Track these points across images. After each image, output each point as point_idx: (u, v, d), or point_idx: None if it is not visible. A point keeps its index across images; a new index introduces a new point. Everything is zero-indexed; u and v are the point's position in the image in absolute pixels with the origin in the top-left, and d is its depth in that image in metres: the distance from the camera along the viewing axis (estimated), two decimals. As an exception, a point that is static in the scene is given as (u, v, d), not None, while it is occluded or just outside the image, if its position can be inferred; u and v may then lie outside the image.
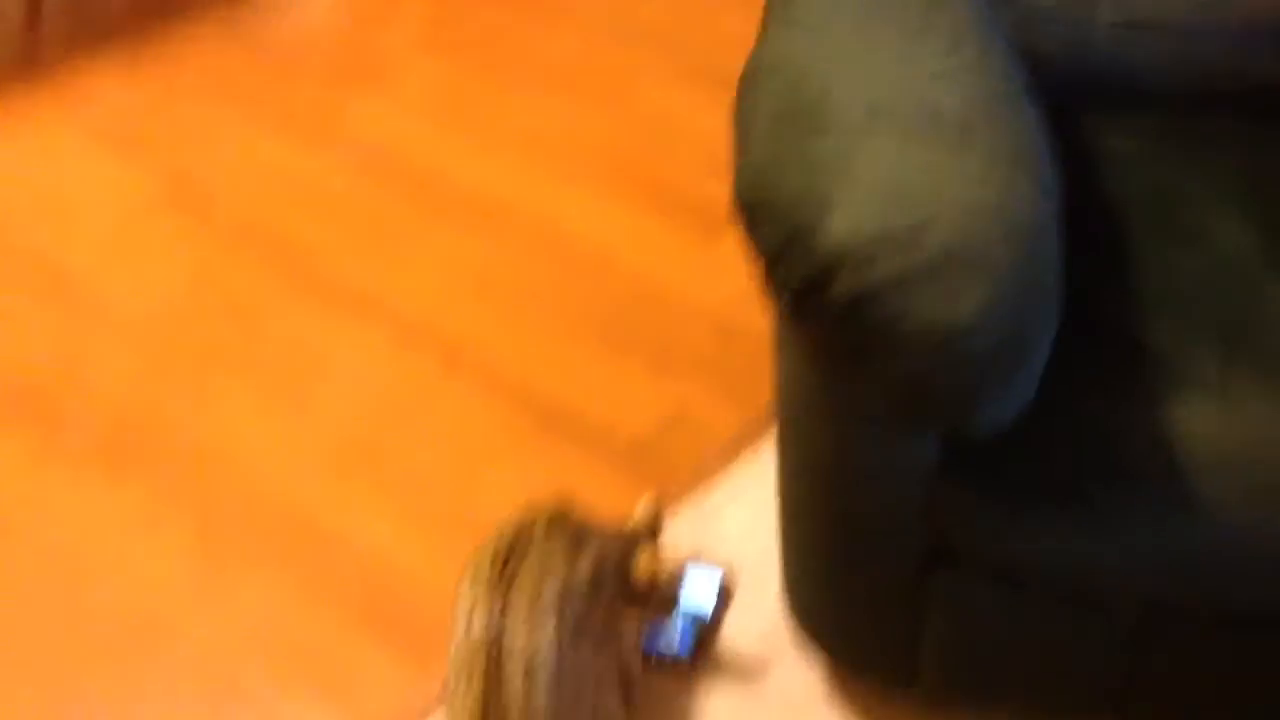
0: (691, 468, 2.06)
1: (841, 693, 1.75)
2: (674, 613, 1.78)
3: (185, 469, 2.08)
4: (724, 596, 1.85)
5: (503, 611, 1.50)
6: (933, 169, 1.39)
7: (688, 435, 2.12)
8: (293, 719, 1.76)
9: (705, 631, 1.81)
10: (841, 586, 1.65)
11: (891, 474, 1.51)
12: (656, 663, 1.79)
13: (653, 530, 1.74)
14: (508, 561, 1.55)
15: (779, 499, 1.68)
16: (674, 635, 1.80)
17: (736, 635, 1.82)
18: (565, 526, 1.61)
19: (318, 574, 1.93)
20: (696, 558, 1.85)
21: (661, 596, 1.74)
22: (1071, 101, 1.79)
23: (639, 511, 1.76)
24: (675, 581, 1.74)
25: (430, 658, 1.81)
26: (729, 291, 2.34)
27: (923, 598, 1.58)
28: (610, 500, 1.86)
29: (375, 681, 1.80)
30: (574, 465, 2.07)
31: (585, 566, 1.60)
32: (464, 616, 1.52)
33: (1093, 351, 1.51)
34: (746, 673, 1.78)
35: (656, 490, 1.81)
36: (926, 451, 1.48)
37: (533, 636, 1.49)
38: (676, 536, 1.92)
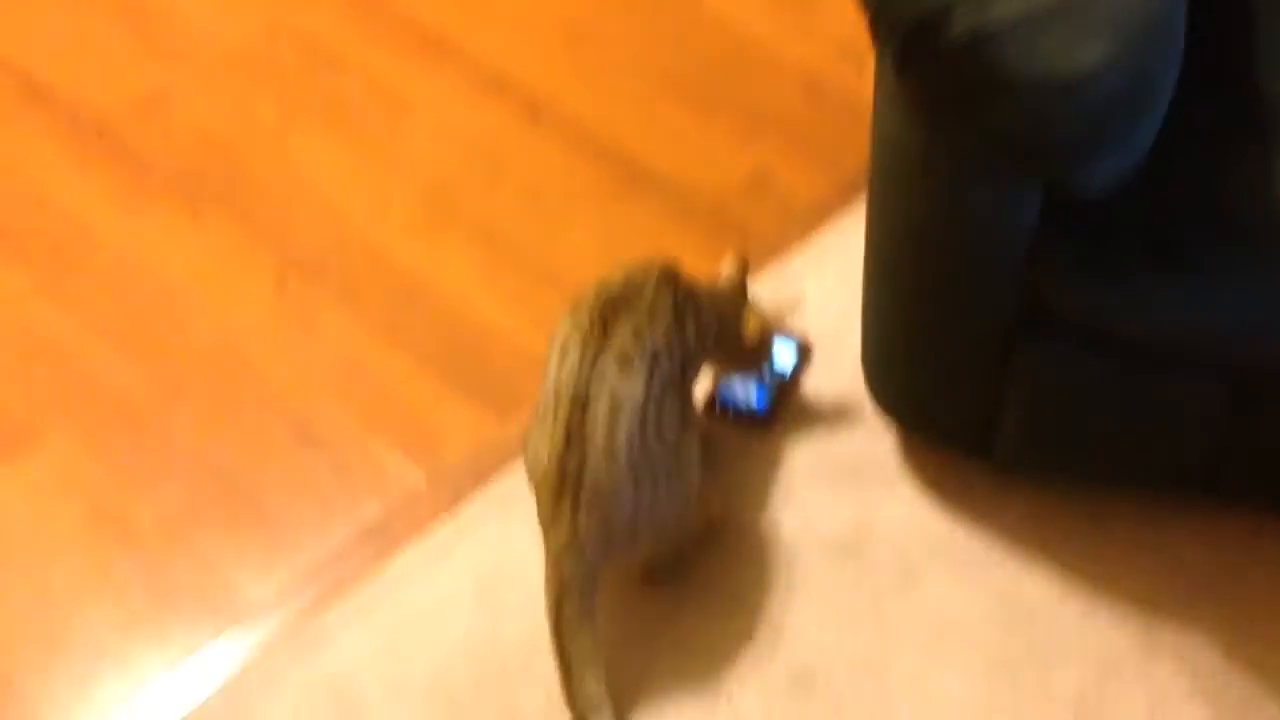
0: (774, 232, 2.03)
1: (913, 460, 1.75)
2: (764, 372, 1.79)
3: (267, 209, 2.08)
4: (803, 359, 1.85)
5: (597, 354, 1.51)
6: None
7: (772, 198, 2.09)
8: (369, 462, 1.79)
9: (783, 391, 1.82)
10: (924, 354, 1.64)
11: (990, 234, 1.47)
12: (734, 417, 1.80)
13: (741, 289, 1.74)
14: (614, 301, 1.55)
15: (866, 264, 1.66)
16: (752, 392, 1.81)
17: (812, 400, 1.82)
18: (676, 287, 1.61)
19: (397, 319, 1.95)
20: (779, 322, 1.85)
21: (759, 355, 1.75)
22: None
23: (725, 270, 1.75)
24: (771, 341, 1.75)
25: (507, 410, 1.83)
26: (822, 49, 2.28)
27: (1008, 366, 1.56)
28: (690, 260, 1.84)
29: (452, 429, 1.82)
30: (655, 223, 2.05)
31: (690, 326, 1.60)
32: (558, 351, 1.53)
33: (1210, 103, 1.45)
34: (820, 436, 1.78)
35: (741, 249, 1.78)
36: (1028, 211, 1.44)
37: (624, 381, 1.50)
38: (756, 300, 1.91)
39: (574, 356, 1.51)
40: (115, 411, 1.85)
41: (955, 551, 1.68)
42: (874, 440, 1.78)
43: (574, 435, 1.48)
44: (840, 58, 2.27)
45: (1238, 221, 1.42)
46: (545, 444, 1.50)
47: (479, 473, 1.76)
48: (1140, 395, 1.56)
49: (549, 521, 1.51)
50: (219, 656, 1.62)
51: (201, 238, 2.05)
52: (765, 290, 1.93)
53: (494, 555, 1.68)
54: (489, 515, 1.72)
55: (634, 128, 2.18)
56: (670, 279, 1.62)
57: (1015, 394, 1.59)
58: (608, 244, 2.03)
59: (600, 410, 1.49)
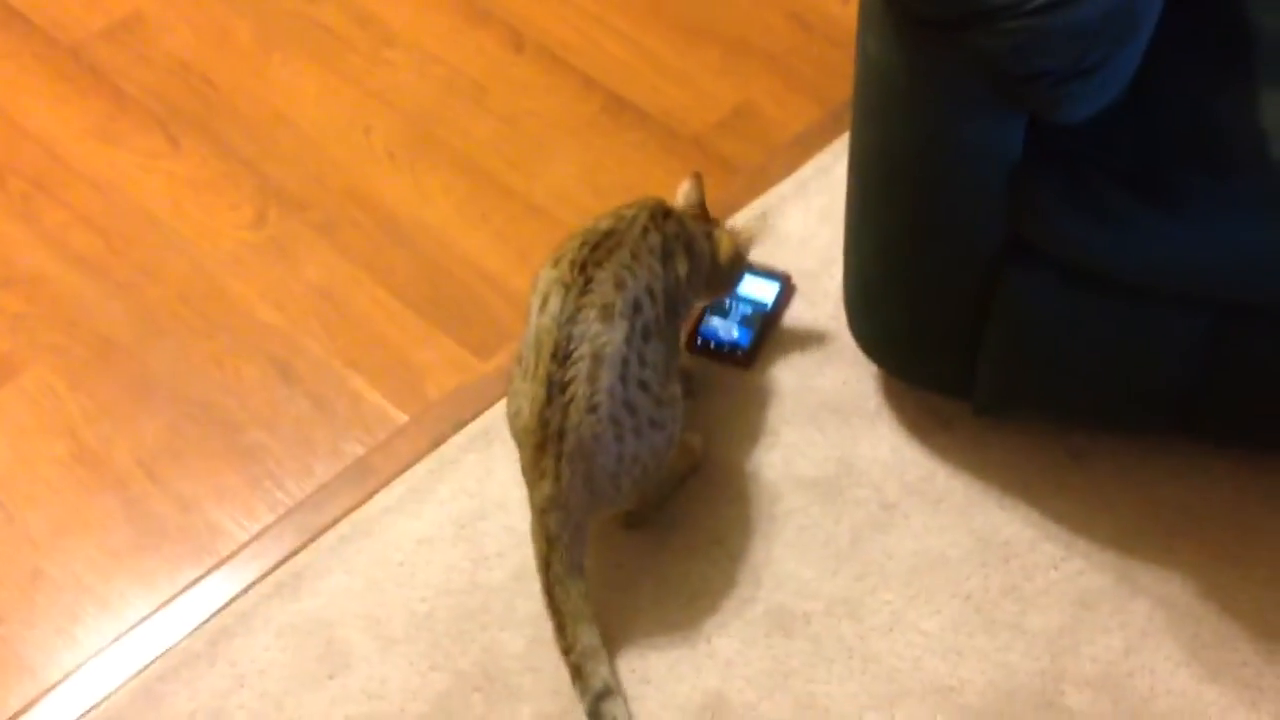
0: (757, 164, 2.02)
1: (893, 399, 1.75)
2: (735, 293, 1.80)
3: (246, 138, 2.06)
4: (784, 294, 1.84)
5: (578, 305, 1.49)
6: None
7: (756, 130, 2.07)
8: (350, 400, 1.79)
9: (764, 326, 1.81)
10: (904, 292, 1.63)
11: (973, 165, 1.46)
12: (715, 353, 1.79)
13: (704, 210, 1.73)
14: (597, 248, 1.54)
15: (848, 199, 1.64)
16: (734, 327, 1.80)
17: (794, 337, 1.82)
18: (665, 224, 1.60)
19: (378, 254, 1.93)
20: (758, 253, 1.84)
21: (733, 277, 1.75)
22: None
23: (683, 190, 1.73)
24: (744, 262, 1.74)
25: (489, 348, 1.83)
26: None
27: (989, 300, 1.55)
28: (673, 193, 1.83)
29: (433, 368, 1.82)
30: (638, 156, 2.04)
31: (682, 264, 1.59)
32: (538, 301, 1.52)
33: (1196, 35, 1.44)
34: (801, 373, 1.78)
35: (699, 173, 1.76)
36: (1012, 141, 1.43)
37: (605, 331, 1.49)
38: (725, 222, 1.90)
39: (554, 307, 1.50)
40: (93, 345, 1.84)
41: (934, 491, 1.68)
42: (855, 379, 1.78)
43: (554, 389, 1.48)
44: (827, -15, 2.25)
45: (1223, 155, 1.41)
46: (526, 398, 1.50)
47: (460, 411, 1.76)
48: (1120, 330, 1.56)
49: (532, 475, 1.50)
50: (200, 595, 1.62)
51: (179, 166, 2.03)
52: (747, 224, 1.92)
53: (475, 495, 1.68)
54: (470, 455, 1.72)
55: (618, 59, 2.15)
56: (659, 216, 1.60)
57: (996, 331, 1.58)
58: (591, 176, 2.01)
59: (581, 363, 1.48)
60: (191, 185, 2.01)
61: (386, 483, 1.70)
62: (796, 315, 1.84)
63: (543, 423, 1.48)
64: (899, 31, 1.41)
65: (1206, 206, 1.41)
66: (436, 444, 1.73)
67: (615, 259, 1.53)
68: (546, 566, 1.50)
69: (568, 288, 1.50)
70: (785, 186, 1.98)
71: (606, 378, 1.48)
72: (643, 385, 1.51)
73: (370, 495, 1.69)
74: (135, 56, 2.16)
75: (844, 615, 1.59)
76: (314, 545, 1.65)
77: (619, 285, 1.51)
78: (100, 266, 1.92)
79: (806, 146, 2.03)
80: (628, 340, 1.50)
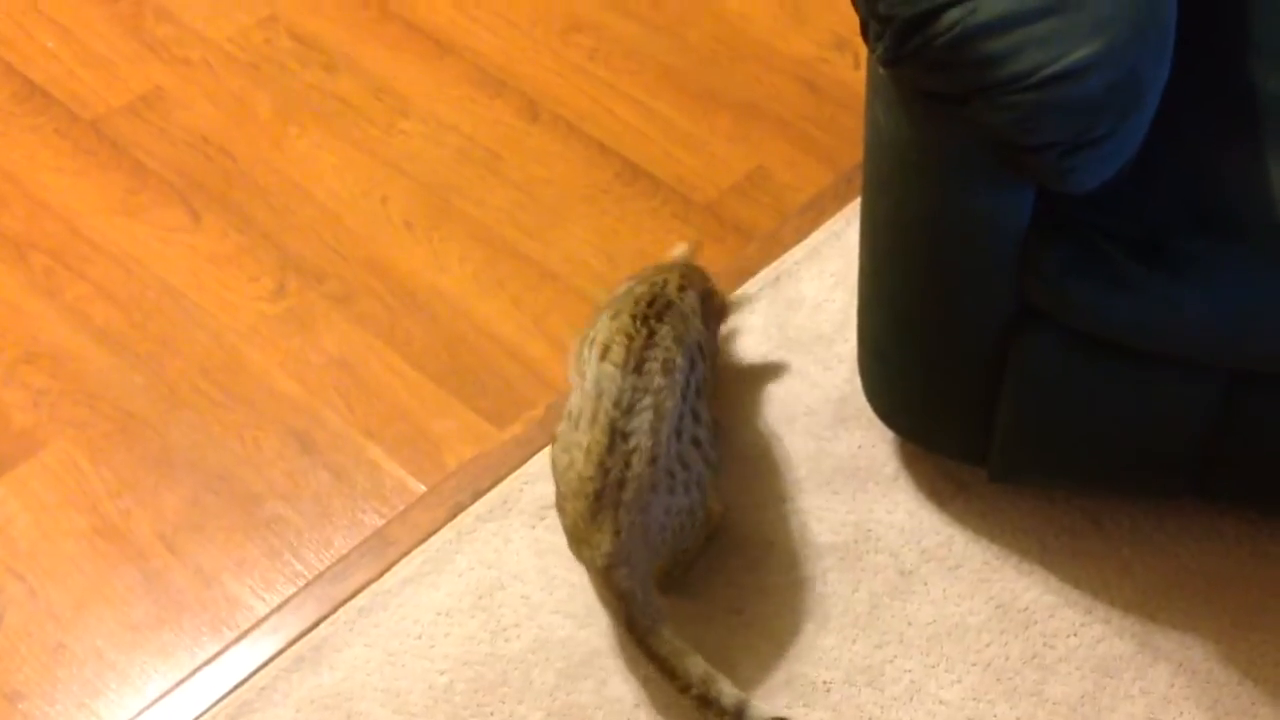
0: (770, 229, 2.03)
1: (910, 463, 1.76)
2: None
3: (265, 211, 2.08)
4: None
5: (641, 359, 1.52)
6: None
7: (769, 195, 2.08)
8: (368, 470, 1.80)
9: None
10: (918, 356, 1.64)
11: (982, 234, 1.47)
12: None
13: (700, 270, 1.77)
14: (653, 303, 1.57)
15: (861, 262, 1.65)
16: None
17: (808, 402, 1.82)
18: (700, 286, 1.65)
19: (396, 323, 1.95)
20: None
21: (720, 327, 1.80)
22: None
23: (679, 251, 1.77)
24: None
25: (504, 417, 1.84)
26: (819, 41, 2.27)
27: (1001, 366, 1.56)
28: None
29: (450, 437, 1.82)
30: (653, 222, 2.05)
31: (714, 323, 1.66)
32: (598, 346, 1.54)
33: (1201, 101, 1.45)
34: (818, 438, 1.78)
35: (695, 237, 1.80)
36: (1020, 211, 1.44)
37: (666, 386, 1.51)
38: (752, 301, 1.91)
39: (617, 356, 1.52)
40: (115, 419, 1.86)
41: (952, 556, 1.68)
42: (870, 443, 1.78)
43: (617, 437, 1.48)
44: (837, 50, 2.26)
45: (1230, 221, 1.42)
46: (581, 447, 1.50)
47: (477, 481, 1.77)
48: (1134, 396, 1.56)
49: (587, 531, 1.50)
50: (221, 670, 1.63)
51: (199, 239, 2.05)
52: (761, 290, 1.93)
53: (492, 566, 1.69)
54: (488, 525, 1.72)
55: (631, 126, 2.17)
56: (695, 278, 1.65)
57: (1009, 398, 1.59)
58: (605, 243, 2.03)
59: (645, 414, 1.49)
60: (211, 258, 2.03)
61: (405, 553, 1.71)
62: (812, 380, 1.84)
63: (603, 470, 1.48)
64: (905, 104, 1.43)
65: (1215, 273, 1.41)
66: (454, 514, 1.74)
67: (671, 314, 1.57)
68: (632, 624, 1.50)
69: (631, 338, 1.53)
70: (798, 251, 1.99)
71: (666, 430, 1.49)
72: (695, 441, 1.53)
73: (389, 566, 1.70)
74: (156, 131, 2.19)
75: (864, 684, 1.59)
76: (333, 618, 1.66)
77: (678, 340, 1.54)
78: (121, 340, 1.94)
79: (819, 211, 2.04)
80: (684, 395, 1.53)
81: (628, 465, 1.48)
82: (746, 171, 2.11)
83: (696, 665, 1.50)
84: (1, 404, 1.87)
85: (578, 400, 1.54)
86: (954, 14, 1.28)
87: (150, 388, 1.89)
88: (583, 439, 1.50)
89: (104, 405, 1.87)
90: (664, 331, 1.54)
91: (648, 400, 1.50)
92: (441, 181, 2.12)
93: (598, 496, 1.49)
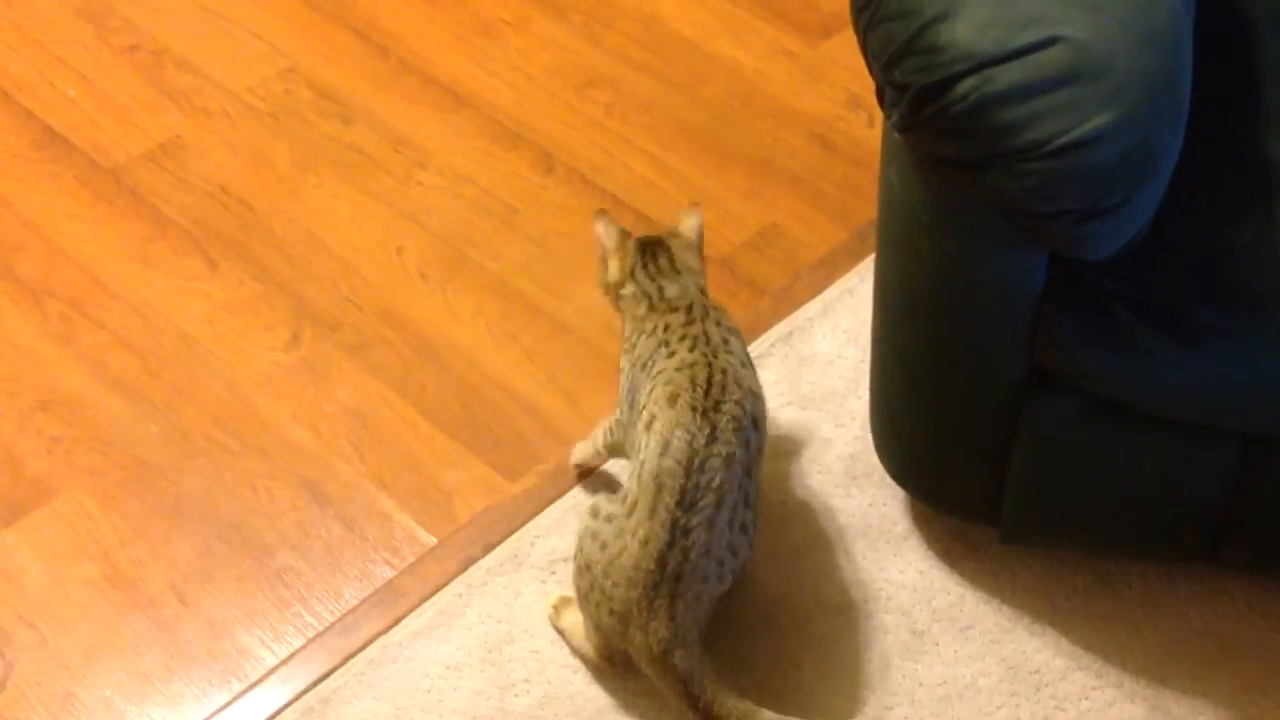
0: (783, 285, 2.04)
1: (922, 522, 1.76)
2: None
3: (281, 261, 2.09)
4: None
5: (707, 446, 1.51)
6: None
7: (781, 251, 2.09)
8: (379, 522, 1.80)
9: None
10: (930, 416, 1.64)
11: (994, 300, 1.48)
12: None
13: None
14: (710, 388, 1.55)
15: (874, 321, 1.66)
16: None
17: (820, 459, 1.82)
18: (725, 324, 1.64)
19: (409, 375, 1.95)
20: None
21: None
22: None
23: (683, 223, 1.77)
24: None
25: (516, 469, 1.84)
26: (833, 99, 2.29)
27: (1014, 428, 1.56)
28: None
29: (462, 490, 1.83)
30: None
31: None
32: (659, 440, 1.52)
33: (1216, 169, 1.46)
34: (829, 496, 1.79)
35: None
36: (1033, 276, 1.45)
37: (726, 475, 1.51)
38: (765, 357, 1.92)
39: (680, 453, 1.51)
40: (129, 467, 1.86)
41: (964, 617, 1.68)
42: (882, 501, 1.78)
43: (678, 533, 1.49)
44: (851, 108, 2.28)
45: (1243, 289, 1.42)
46: (639, 539, 1.50)
47: (488, 534, 1.77)
48: (1146, 460, 1.56)
49: (641, 617, 1.50)
50: (230, 720, 1.63)
51: (216, 288, 2.07)
52: (774, 347, 1.94)
53: (502, 620, 1.69)
54: (498, 579, 1.72)
55: (645, 180, 2.19)
56: (716, 316, 1.64)
57: (1020, 460, 1.59)
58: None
59: (706, 510, 1.50)
60: (228, 307, 2.04)
61: (415, 606, 1.71)
62: (824, 436, 1.85)
63: (661, 565, 1.49)
64: (920, 168, 1.44)
65: (1227, 340, 1.42)
66: (465, 566, 1.74)
67: (729, 397, 1.55)
68: (695, 700, 1.50)
69: (693, 435, 1.52)
70: (811, 308, 1.99)
71: (721, 523, 1.51)
72: (744, 528, 1.55)
73: (399, 619, 1.70)
74: (175, 180, 2.20)
75: (872, 744, 1.58)
76: (342, 670, 1.66)
77: (738, 429, 1.53)
78: (137, 388, 1.95)
79: (832, 267, 2.05)
80: (741, 485, 1.53)
81: (685, 559, 1.49)
82: (760, 227, 2.12)
83: (767, 718, 1.51)
84: (16, 451, 1.88)
85: (633, 487, 1.53)
86: (970, 82, 1.29)
87: (164, 436, 1.89)
88: (640, 530, 1.51)
89: (118, 453, 1.88)
90: (724, 424, 1.53)
91: (709, 499, 1.50)
92: (457, 233, 2.13)
93: (654, 587, 1.50)
